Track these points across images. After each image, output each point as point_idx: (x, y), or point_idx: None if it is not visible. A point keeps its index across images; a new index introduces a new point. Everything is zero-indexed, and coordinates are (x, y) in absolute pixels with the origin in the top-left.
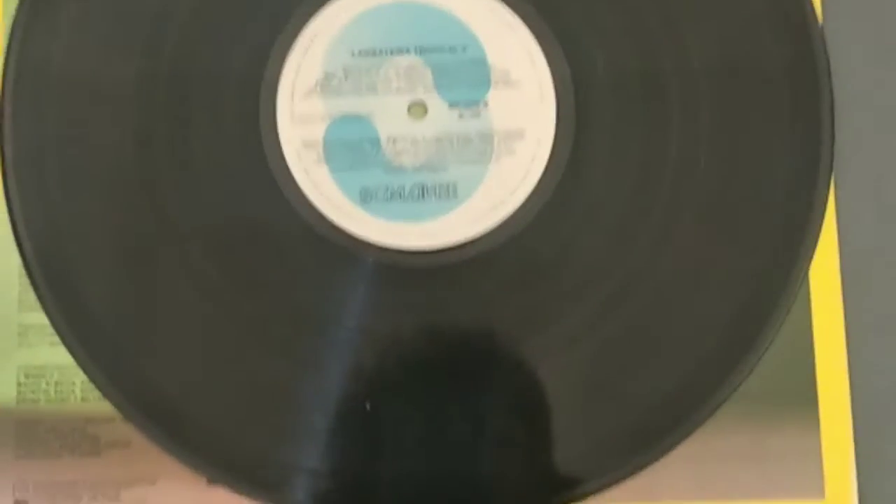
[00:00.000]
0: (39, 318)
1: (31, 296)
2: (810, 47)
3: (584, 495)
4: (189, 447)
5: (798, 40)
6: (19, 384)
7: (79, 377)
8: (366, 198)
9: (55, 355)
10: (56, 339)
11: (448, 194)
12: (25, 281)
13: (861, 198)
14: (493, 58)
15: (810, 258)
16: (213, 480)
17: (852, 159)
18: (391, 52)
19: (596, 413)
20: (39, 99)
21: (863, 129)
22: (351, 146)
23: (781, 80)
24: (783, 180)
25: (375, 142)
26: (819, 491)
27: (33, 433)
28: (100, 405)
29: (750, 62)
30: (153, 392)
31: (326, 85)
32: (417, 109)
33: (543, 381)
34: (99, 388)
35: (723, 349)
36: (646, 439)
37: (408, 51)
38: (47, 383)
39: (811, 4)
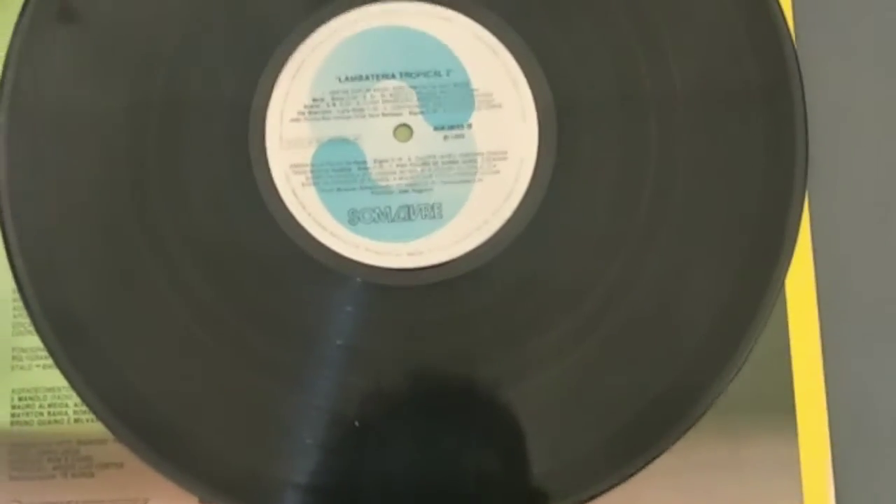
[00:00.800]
0: (33, 341)
1: (25, 319)
2: (784, 65)
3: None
4: (181, 466)
5: (772, 58)
6: (13, 407)
7: (72, 399)
8: (353, 219)
9: (48, 378)
10: (49, 361)
11: (433, 214)
12: (19, 304)
13: (835, 209)
14: (477, 81)
15: (786, 270)
16: (205, 499)
17: (826, 170)
18: (377, 77)
19: (578, 427)
20: (33, 127)
21: (836, 140)
22: (339, 169)
23: (757, 98)
24: (759, 196)
25: (362, 164)
26: (798, 499)
27: (27, 455)
28: (93, 426)
29: (727, 82)
30: (145, 412)
31: (314, 109)
32: (403, 132)
33: (528, 397)
34: (91, 409)
35: (701, 361)
36: (627, 452)
37: (393, 75)
38: (41, 405)
39: (786, 26)
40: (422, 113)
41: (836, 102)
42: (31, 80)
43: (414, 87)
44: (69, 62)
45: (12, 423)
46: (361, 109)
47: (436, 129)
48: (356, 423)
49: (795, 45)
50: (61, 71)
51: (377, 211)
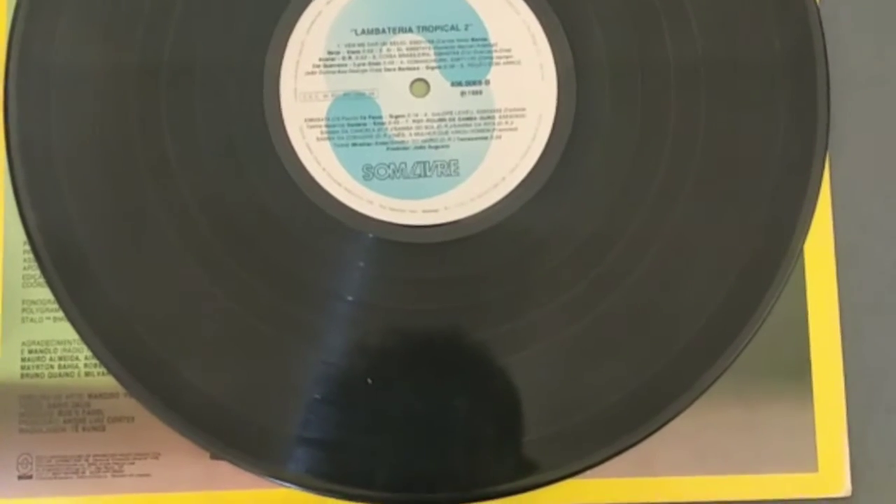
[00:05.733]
0: (43, 293)
1: (35, 272)
2: (807, 29)
3: (587, 467)
4: (192, 422)
5: (796, 23)
6: (23, 359)
7: (82, 352)
8: (368, 174)
9: (59, 331)
10: (60, 314)
11: (450, 171)
12: (30, 257)
13: (856, 175)
14: (495, 36)
15: (806, 235)
16: (216, 455)
17: (848, 139)
18: (394, 31)
19: (592, 388)
20: (44, 86)
21: (858, 107)
22: (354, 123)
23: (780, 62)
24: (779, 159)
25: (378, 119)
26: (812, 464)
27: (37, 408)
28: (103, 380)
29: (749, 49)
30: (157, 367)
31: (329, 63)
32: (420, 87)
33: (540, 358)
34: (102, 363)
35: (719, 324)
36: (644, 413)
37: (410, 29)
38: (51, 358)
39: None
40: (439, 68)
41: (858, 70)
42: (40, 39)
43: (431, 42)
44: (79, 20)
45: (22, 376)
46: (378, 63)
47: (453, 84)
48: (369, 381)
49: (819, 12)
50: (71, 29)
51: (392, 167)
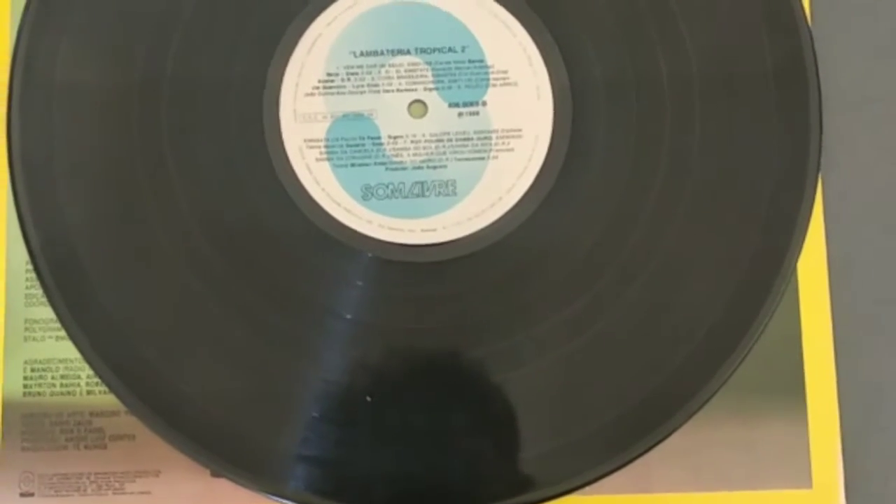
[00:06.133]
0: (45, 312)
1: (38, 291)
2: (799, 47)
3: (585, 483)
4: (193, 439)
5: (788, 41)
6: (25, 378)
7: (84, 371)
8: (367, 194)
9: (61, 349)
10: (62, 333)
11: (447, 191)
12: (32, 276)
13: (848, 192)
14: (492, 58)
15: (798, 252)
16: (216, 472)
17: (840, 154)
18: (392, 53)
19: (588, 405)
20: (46, 103)
21: (850, 124)
22: (353, 144)
23: (771, 79)
24: (772, 176)
25: (377, 140)
26: (806, 480)
27: (39, 426)
28: (105, 398)
29: (742, 66)
30: (157, 385)
31: (329, 84)
32: (418, 108)
33: (538, 376)
34: (104, 381)
35: (713, 342)
36: (641, 430)
37: (408, 51)
38: (53, 377)
39: (802, 9)
40: (437, 89)
41: (851, 87)
42: (43, 55)
43: (429, 63)
44: (82, 38)
45: (25, 394)
46: (376, 85)
47: (450, 105)
48: (368, 399)
49: (811, 29)
50: (74, 47)
51: (391, 187)
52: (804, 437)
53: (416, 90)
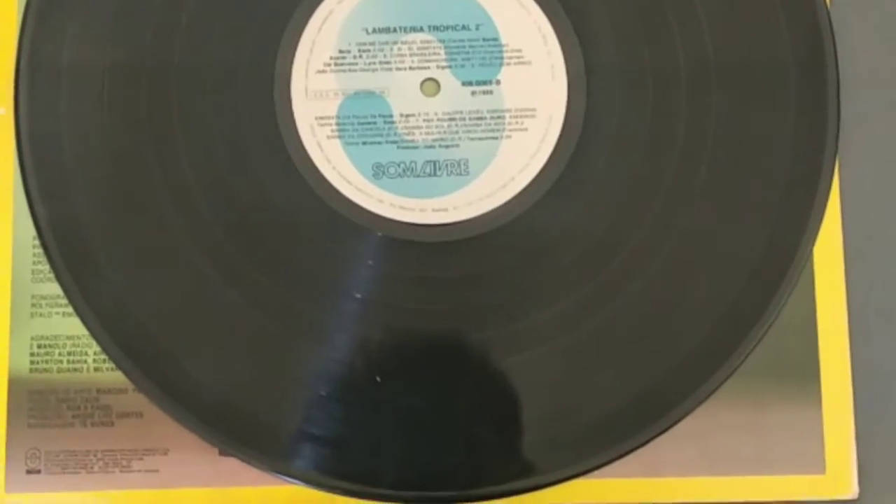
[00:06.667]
0: (53, 288)
1: (45, 267)
2: (818, 33)
3: (592, 468)
4: (201, 418)
5: (806, 26)
6: (32, 354)
7: (91, 347)
8: (378, 173)
9: (68, 326)
10: (69, 309)
11: (460, 170)
12: (39, 251)
13: (865, 177)
14: (506, 36)
15: (815, 237)
16: (224, 451)
17: (857, 142)
18: (405, 30)
19: (600, 388)
20: (54, 86)
21: (868, 110)
22: (364, 122)
23: (789, 64)
24: (789, 161)
25: (389, 118)
26: (820, 465)
27: (46, 402)
28: (112, 375)
29: (760, 53)
30: (165, 363)
31: (341, 61)
32: (430, 86)
33: (551, 357)
34: (111, 358)
35: (726, 328)
36: (649, 416)
37: (421, 28)
38: (60, 353)
39: None
40: (450, 67)
41: (869, 73)
42: (51, 39)
43: (442, 41)
44: (89, 19)
45: (31, 371)
46: (388, 62)
47: (464, 84)
48: (378, 379)
49: (830, 17)
50: (81, 29)
51: (402, 165)
52: (818, 422)
53: (428, 68)
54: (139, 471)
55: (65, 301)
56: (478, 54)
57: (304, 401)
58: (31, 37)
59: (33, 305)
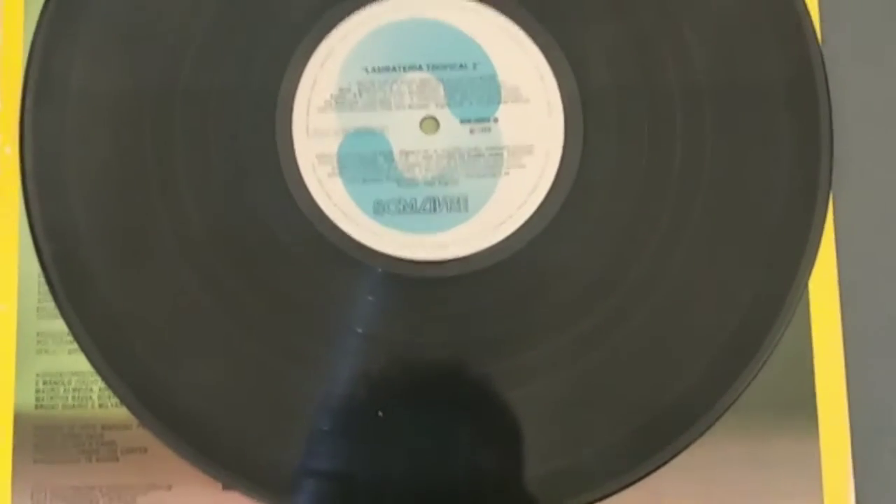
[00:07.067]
0: (58, 325)
1: (50, 303)
2: (808, 62)
3: (592, 502)
4: (204, 453)
5: (797, 54)
6: (37, 390)
7: (96, 384)
8: (379, 210)
9: (73, 362)
10: (74, 346)
11: (459, 207)
12: (44, 289)
13: (859, 210)
14: (504, 75)
15: (810, 270)
16: (227, 486)
17: (851, 172)
18: (404, 69)
19: (599, 422)
20: (59, 112)
21: (861, 140)
22: (365, 159)
23: (782, 95)
24: (783, 194)
25: (389, 155)
26: (818, 498)
27: (51, 439)
28: (117, 411)
29: (752, 78)
30: (169, 398)
31: (341, 100)
32: (430, 124)
33: (550, 392)
34: (116, 394)
35: (723, 360)
36: (648, 449)
37: (420, 67)
38: (65, 390)
39: (810, 22)
40: (448, 105)
41: (861, 101)
42: (58, 64)
43: (441, 80)
44: (96, 47)
45: (37, 407)
46: (388, 101)
47: (462, 122)
48: (379, 413)
49: (820, 42)
50: (87, 57)
51: (403, 202)
52: (815, 456)
53: (428, 106)
54: None
55: (70, 338)
56: (476, 92)
57: (306, 435)
58: (38, 73)
59: (39, 342)
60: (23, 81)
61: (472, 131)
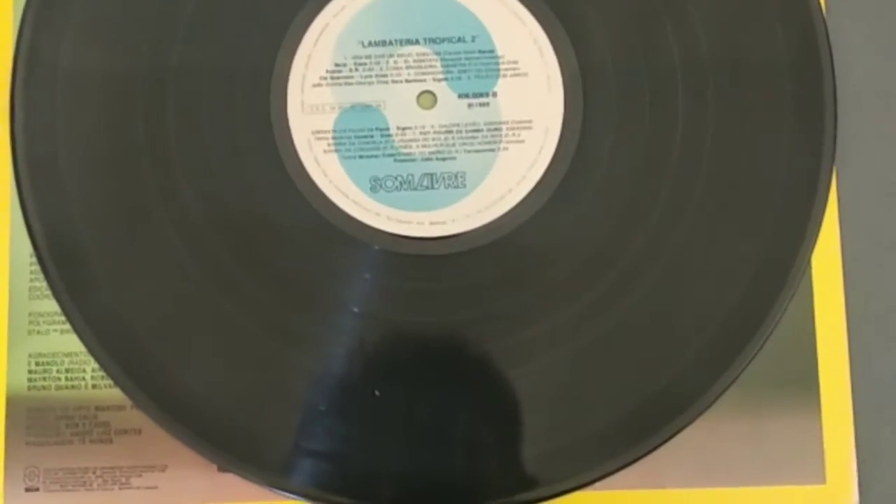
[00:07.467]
0: (50, 305)
1: (42, 284)
2: (814, 38)
3: (592, 481)
4: (199, 434)
5: (802, 31)
6: (30, 371)
7: (89, 364)
8: (375, 187)
9: (66, 343)
10: (66, 326)
11: (456, 183)
12: (36, 269)
13: (863, 186)
14: (502, 48)
15: (813, 246)
16: (222, 467)
17: (854, 148)
18: (400, 43)
19: (599, 400)
20: (50, 91)
21: (865, 117)
22: (361, 135)
23: (785, 71)
24: (786, 170)
25: (385, 131)
26: (820, 475)
27: (44, 420)
28: (110, 392)
29: (755, 54)
30: (163, 379)
31: (336, 75)
32: (427, 99)
33: (550, 370)
34: (109, 375)
35: (724, 338)
36: (649, 427)
37: (417, 41)
38: (58, 371)
39: None
40: (446, 80)
41: (865, 75)
42: (47, 44)
43: (438, 54)
44: (86, 25)
45: (29, 388)
46: (384, 75)
47: (460, 96)
48: (376, 393)
49: (825, 19)
50: (78, 35)
51: (399, 179)
52: (818, 433)
53: (425, 81)
54: (138, 487)
55: (62, 318)
56: (474, 66)
57: (302, 416)
58: (27, 53)
59: (31, 323)
60: (12, 61)
61: (470, 106)
